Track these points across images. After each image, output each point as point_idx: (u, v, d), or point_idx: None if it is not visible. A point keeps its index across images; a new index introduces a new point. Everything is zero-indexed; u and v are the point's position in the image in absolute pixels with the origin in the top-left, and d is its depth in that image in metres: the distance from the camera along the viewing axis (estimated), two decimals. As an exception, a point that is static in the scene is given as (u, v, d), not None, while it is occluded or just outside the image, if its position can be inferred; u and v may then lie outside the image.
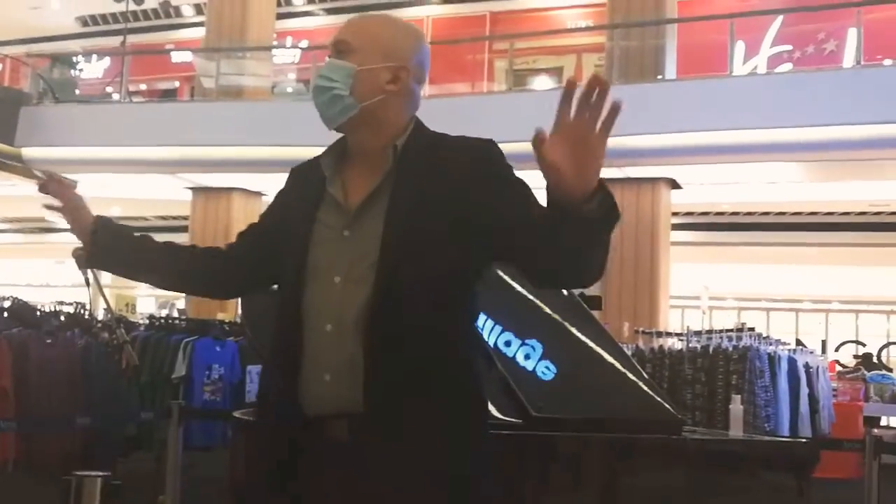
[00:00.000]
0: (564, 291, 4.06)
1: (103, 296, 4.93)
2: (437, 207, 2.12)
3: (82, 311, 7.80)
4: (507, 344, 3.70)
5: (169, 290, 2.52)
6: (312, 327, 2.15)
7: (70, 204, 2.51)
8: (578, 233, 1.93)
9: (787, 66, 15.12)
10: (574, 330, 3.91)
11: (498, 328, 3.69)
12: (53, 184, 2.52)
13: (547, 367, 3.58)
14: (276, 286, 2.34)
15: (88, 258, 2.47)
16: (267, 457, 2.22)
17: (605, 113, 1.87)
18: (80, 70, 19.34)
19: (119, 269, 2.55)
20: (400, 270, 2.10)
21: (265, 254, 2.34)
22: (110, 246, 2.47)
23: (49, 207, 2.53)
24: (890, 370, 13.50)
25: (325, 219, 2.22)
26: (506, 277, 3.67)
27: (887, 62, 13.99)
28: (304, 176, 2.34)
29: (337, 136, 2.32)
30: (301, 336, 2.15)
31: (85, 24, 23.18)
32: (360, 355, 2.08)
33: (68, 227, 2.52)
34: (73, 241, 2.53)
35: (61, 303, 8.22)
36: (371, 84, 2.21)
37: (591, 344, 3.93)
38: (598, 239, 1.98)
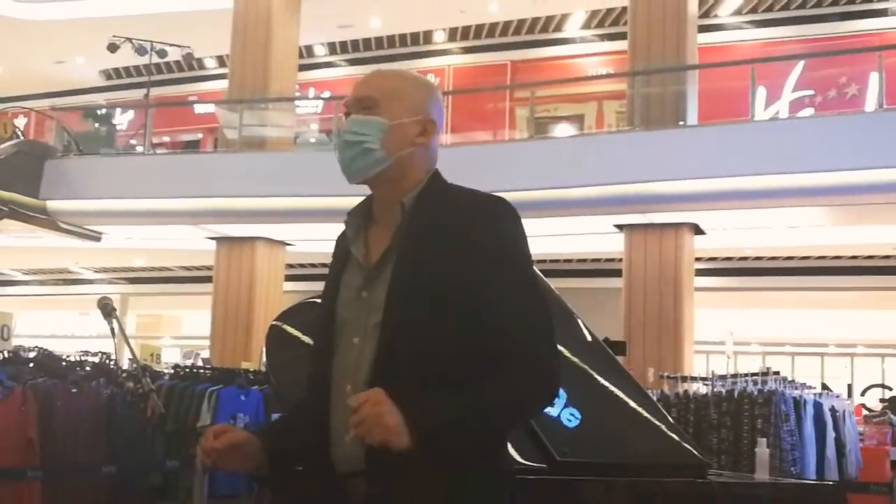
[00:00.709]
0: (588, 336, 4.06)
1: (129, 345, 4.98)
2: (437, 269, 2.13)
3: (108, 361, 7.83)
4: (531, 391, 3.66)
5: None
6: (337, 388, 2.19)
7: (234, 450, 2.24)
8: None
9: (809, 111, 15.14)
10: (597, 376, 3.90)
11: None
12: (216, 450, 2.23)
13: (572, 414, 3.57)
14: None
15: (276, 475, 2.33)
16: None
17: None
18: (114, 125, 19.57)
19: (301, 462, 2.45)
20: (400, 332, 2.11)
21: None
22: (284, 458, 2.33)
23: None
24: (917, 414, 13.36)
25: (348, 280, 2.26)
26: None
27: (909, 106, 13.97)
28: (340, 238, 2.37)
29: (355, 186, 2.33)
30: (329, 397, 2.20)
31: (109, 77, 23.48)
32: None
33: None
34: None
35: (86, 352, 8.26)
36: (402, 137, 2.25)
37: (615, 389, 3.91)
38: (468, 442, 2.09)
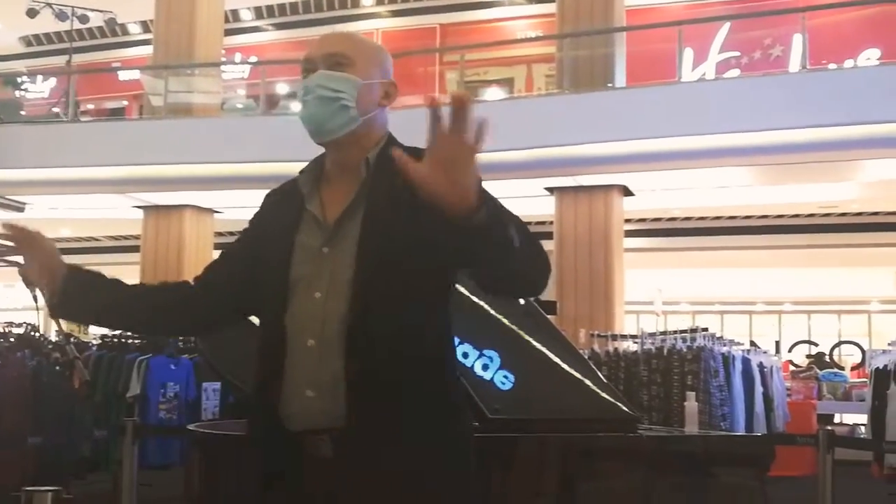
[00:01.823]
0: (521, 300, 4.07)
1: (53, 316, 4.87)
2: (409, 221, 2.11)
3: (33, 333, 7.70)
4: (465, 356, 3.69)
5: (142, 332, 2.39)
6: (295, 343, 2.15)
7: (38, 252, 2.32)
8: (481, 244, 1.90)
9: (735, 72, 15.26)
10: (530, 338, 3.92)
11: (455, 340, 3.67)
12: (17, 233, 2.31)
13: (505, 377, 3.58)
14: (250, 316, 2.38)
15: (58, 309, 2.35)
16: (254, 472, 2.23)
17: (472, 128, 1.87)
18: (25, 90, 19.06)
19: (90, 318, 2.51)
20: (375, 285, 2.12)
21: (239, 281, 2.33)
22: (79, 294, 2.33)
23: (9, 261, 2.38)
24: (842, 368, 13.70)
25: (304, 237, 2.23)
26: (462, 289, 3.66)
27: (832, 66, 14.15)
28: (280, 198, 2.34)
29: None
30: (283, 352, 2.16)
31: (29, 44, 22.94)
32: (342, 371, 2.08)
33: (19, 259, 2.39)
34: (21, 264, 2.42)
35: (10, 324, 8.12)
36: (370, 98, 2.28)
37: (547, 350, 3.94)
38: (503, 244, 1.94)
